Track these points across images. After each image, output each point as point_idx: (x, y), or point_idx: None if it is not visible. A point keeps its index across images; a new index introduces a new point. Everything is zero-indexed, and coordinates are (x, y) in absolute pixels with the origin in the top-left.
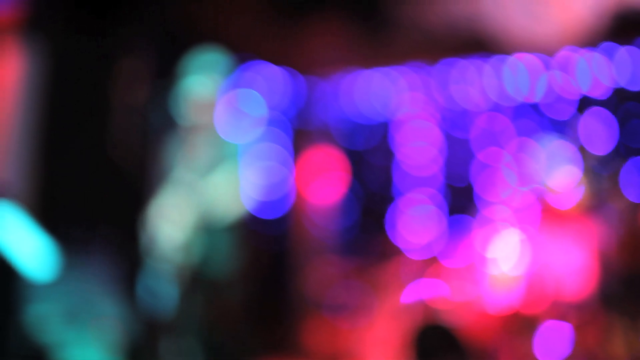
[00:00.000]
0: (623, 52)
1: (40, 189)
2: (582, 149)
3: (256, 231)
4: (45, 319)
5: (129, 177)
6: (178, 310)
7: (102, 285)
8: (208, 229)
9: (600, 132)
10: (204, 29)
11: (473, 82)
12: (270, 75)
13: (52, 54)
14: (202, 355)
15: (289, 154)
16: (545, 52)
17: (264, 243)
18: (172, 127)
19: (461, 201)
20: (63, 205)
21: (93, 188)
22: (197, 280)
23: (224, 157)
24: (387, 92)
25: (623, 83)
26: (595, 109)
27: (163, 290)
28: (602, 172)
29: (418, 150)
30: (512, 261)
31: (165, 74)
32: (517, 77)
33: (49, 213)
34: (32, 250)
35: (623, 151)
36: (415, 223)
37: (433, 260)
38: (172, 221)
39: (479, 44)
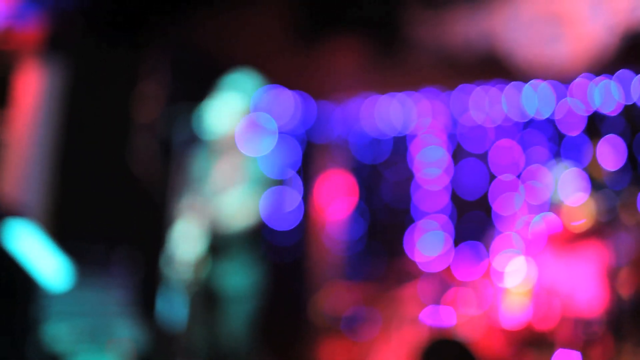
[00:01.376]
0: (636, 78)
1: (58, 207)
2: (593, 170)
3: (273, 247)
4: (61, 337)
5: (149, 195)
6: (194, 329)
7: (119, 305)
8: (226, 246)
9: (611, 155)
10: (223, 52)
11: (488, 107)
12: (286, 98)
13: (72, 72)
14: None
15: (304, 173)
16: (561, 78)
17: (280, 260)
18: (192, 145)
19: (475, 216)
20: (81, 223)
21: (112, 206)
22: (214, 299)
23: (244, 175)
24: (403, 116)
25: (636, 111)
26: (608, 133)
27: (180, 309)
28: (612, 193)
29: (432, 168)
30: (523, 276)
31: (184, 93)
32: (533, 103)
33: (66, 231)
34: (49, 268)
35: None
36: (429, 238)
37: (446, 274)
38: (191, 239)
39: (495, 69)
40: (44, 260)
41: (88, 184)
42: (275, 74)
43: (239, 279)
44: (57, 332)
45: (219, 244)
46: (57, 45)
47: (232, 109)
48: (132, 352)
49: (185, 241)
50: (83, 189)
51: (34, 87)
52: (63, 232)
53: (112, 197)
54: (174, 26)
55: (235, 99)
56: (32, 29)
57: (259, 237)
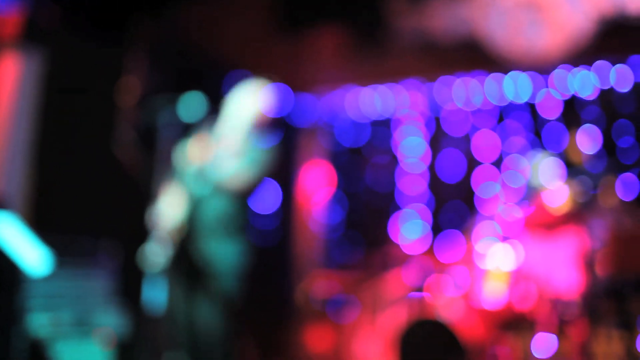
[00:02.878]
0: (614, 68)
1: (40, 198)
2: (572, 155)
3: (256, 230)
4: (45, 326)
5: (134, 184)
6: (175, 310)
7: (104, 294)
8: (209, 225)
9: (590, 140)
10: (205, 43)
11: (470, 97)
12: (269, 90)
13: (52, 62)
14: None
15: (288, 159)
16: (540, 65)
17: (264, 243)
18: (176, 135)
19: (456, 201)
20: (64, 214)
21: (96, 196)
22: (196, 279)
23: (228, 164)
24: (384, 102)
25: (613, 98)
26: (587, 119)
27: (164, 295)
28: (591, 177)
29: (414, 153)
30: (503, 259)
31: (166, 84)
32: (513, 92)
33: (48, 221)
34: (30, 259)
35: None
36: (412, 222)
37: (428, 257)
38: (174, 226)
39: (475, 57)
40: (26, 250)
41: (70, 175)
42: (256, 65)
43: (223, 257)
44: (41, 321)
45: (202, 222)
46: (35, 36)
47: (217, 102)
48: (114, 339)
49: (170, 228)
50: (65, 180)
51: (12, 77)
52: (45, 223)
53: (95, 187)
54: (156, 16)
55: (223, 93)
56: (9, 19)
57: (244, 216)
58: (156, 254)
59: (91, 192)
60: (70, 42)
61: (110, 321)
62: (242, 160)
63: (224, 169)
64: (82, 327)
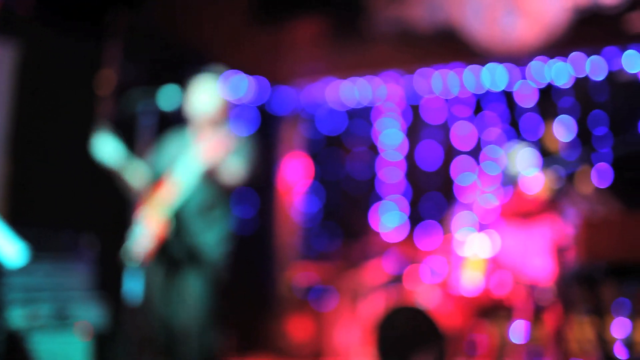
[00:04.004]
0: (589, 58)
1: (14, 192)
2: (548, 144)
3: (238, 220)
4: (24, 319)
5: (111, 177)
6: (154, 300)
7: (83, 288)
8: (192, 214)
9: (565, 129)
10: (183, 37)
11: (447, 87)
12: (246, 83)
13: (27, 54)
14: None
15: (268, 149)
16: (516, 54)
17: (245, 233)
18: (154, 127)
19: (435, 190)
20: (39, 208)
21: (74, 190)
22: (176, 268)
23: (208, 156)
24: (363, 96)
25: (588, 88)
26: (562, 108)
27: (143, 286)
28: (566, 166)
29: (393, 142)
30: (481, 246)
31: (143, 77)
32: (490, 83)
33: (26, 216)
34: (7, 253)
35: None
36: (391, 211)
37: (407, 245)
38: (155, 220)
39: (453, 47)
40: (2, 243)
41: (47, 168)
42: (234, 57)
43: (205, 246)
44: (20, 314)
45: (185, 212)
46: (9, 26)
47: (203, 91)
48: (91, 331)
49: (151, 222)
50: (41, 173)
51: None
52: (22, 217)
53: (72, 179)
54: (133, 7)
55: (205, 82)
56: None
57: (227, 205)
58: (136, 245)
59: (69, 185)
60: (46, 33)
61: (89, 313)
62: (233, 155)
63: (217, 164)
64: (61, 319)
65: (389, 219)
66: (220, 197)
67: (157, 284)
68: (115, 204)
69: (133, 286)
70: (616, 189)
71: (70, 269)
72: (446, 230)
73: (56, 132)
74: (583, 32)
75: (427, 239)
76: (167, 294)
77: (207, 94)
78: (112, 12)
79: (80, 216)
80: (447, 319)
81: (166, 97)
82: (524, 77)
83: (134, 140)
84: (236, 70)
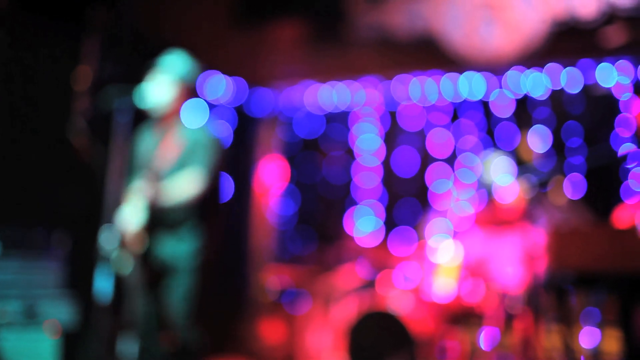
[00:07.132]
0: (565, 70)
1: None
2: (522, 153)
3: (213, 221)
4: None
5: (88, 175)
6: (133, 304)
7: (55, 286)
8: (167, 219)
9: (540, 139)
10: (162, 35)
11: (425, 94)
12: (225, 81)
13: (1, 47)
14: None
15: (244, 151)
16: (494, 64)
17: (220, 235)
18: (131, 124)
19: (410, 196)
20: (10, 206)
21: (49, 187)
22: (153, 273)
23: (188, 149)
24: (342, 100)
25: (563, 99)
26: (538, 119)
27: (116, 286)
28: (540, 176)
29: (369, 147)
30: (454, 253)
31: (121, 75)
32: (467, 92)
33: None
34: None
35: (560, 162)
36: (366, 216)
37: (381, 251)
38: (132, 213)
39: (431, 55)
40: None
41: (19, 165)
42: (213, 57)
43: (178, 251)
44: None
45: (160, 217)
46: None
47: (169, 87)
48: (61, 329)
49: (126, 216)
50: (14, 171)
51: None
52: None
53: (47, 176)
54: (112, 4)
55: (172, 77)
56: None
57: (201, 210)
58: (108, 243)
59: (41, 182)
60: (23, 28)
61: (59, 312)
62: (189, 164)
63: (172, 176)
64: (30, 317)
65: (363, 224)
66: (189, 211)
67: (136, 284)
68: (88, 202)
69: (104, 285)
70: (589, 199)
71: (41, 266)
72: (420, 236)
73: (30, 128)
74: (560, 44)
75: (401, 245)
76: (147, 296)
77: (158, 87)
78: (91, 9)
79: (51, 214)
80: (419, 324)
81: (143, 94)
82: (500, 87)
83: (110, 137)
84: (215, 71)
